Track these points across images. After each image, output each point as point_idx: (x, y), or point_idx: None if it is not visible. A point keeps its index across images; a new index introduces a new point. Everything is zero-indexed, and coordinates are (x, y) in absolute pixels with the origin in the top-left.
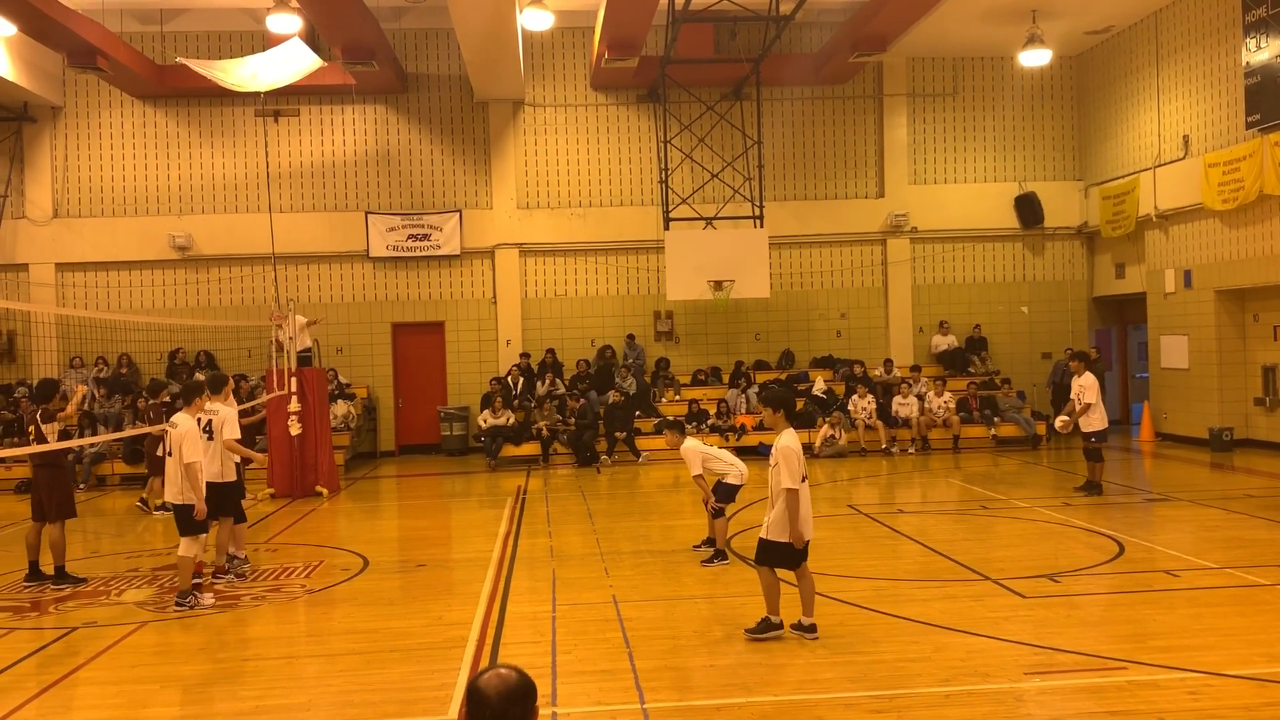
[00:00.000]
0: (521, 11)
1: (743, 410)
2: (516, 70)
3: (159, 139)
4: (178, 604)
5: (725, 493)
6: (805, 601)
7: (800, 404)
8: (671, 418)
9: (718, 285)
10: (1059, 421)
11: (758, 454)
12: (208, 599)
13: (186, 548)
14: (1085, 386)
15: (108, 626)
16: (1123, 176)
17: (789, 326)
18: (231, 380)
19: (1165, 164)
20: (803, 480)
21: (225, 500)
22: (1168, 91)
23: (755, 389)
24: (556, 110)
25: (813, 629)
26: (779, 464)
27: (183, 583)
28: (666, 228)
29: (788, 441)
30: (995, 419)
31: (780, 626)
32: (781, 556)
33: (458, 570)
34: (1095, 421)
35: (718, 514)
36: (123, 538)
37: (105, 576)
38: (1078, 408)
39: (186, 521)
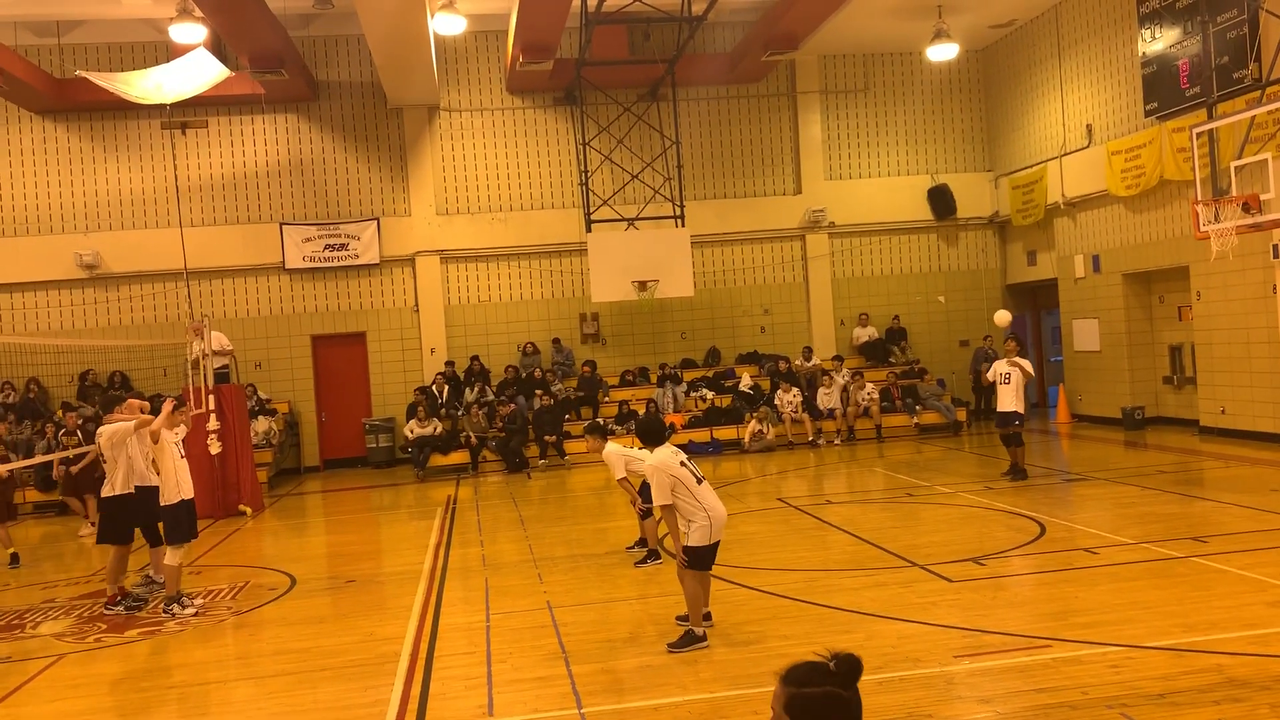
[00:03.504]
0: (433, 16)
1: (671, 410)
2: (430, 75)
3: (61, 155)
4: (165, 610)
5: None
6: (688, 607)
7: (728, 400)
8: (599, 421)
9: (642, 286)
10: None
11: (686, 452)
12: (190, 609)
13: (171, 556)
14: (1026, 363)
15: (23, 661)
16: (1031, 166)
17: (714, 324)
18: (132, 401)
19: (1070, 153)
20: (699, 482)
21: (124, 516)
22: (1070, 82)
23: (684, 387)
24: (473, 115)
25: (688, 635)
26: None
27: (170, 590)
28: (589, 230)
29: (652, 459)
30: (917, 407)
31: (704, 640)
32: (695, 559)
33: (389, 584)
34: (1019, 402)
35: (646, 515)
36: (37, 567)
37: (20, 609)
38: (1027, 373)
39: (172, 529)
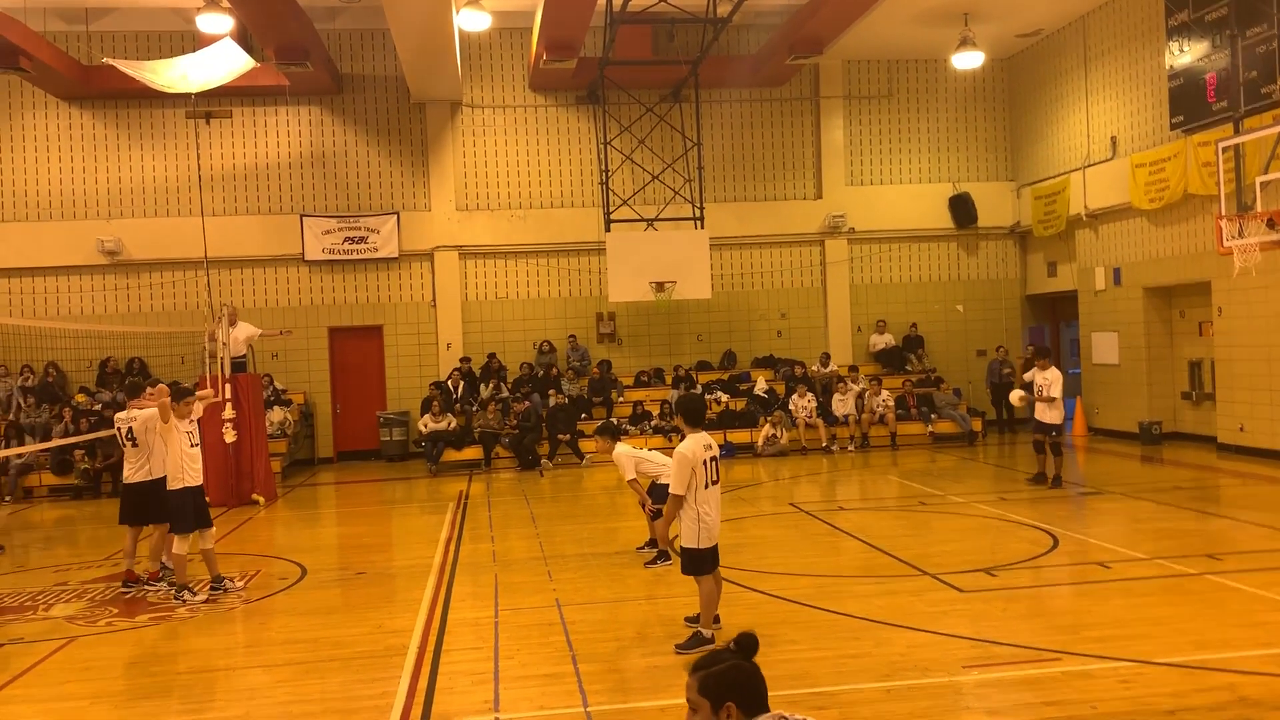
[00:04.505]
0: (458, 12)
1: None
2: (454, 71)
3: (86, 141)
4: (175, 596)
5: (661, 494)
6: (701, 607)
7: (743, 403)
8: (614, 421)
9: (659, 286)
10: (1016, 396)
11: None
12: (200, 596)
13: (179, 545)
14: (1052, 380)
15: (35, 642)
16: (1053, 177)
17: (730, 327)
18: (152, 389)
19: (1094, 164)
20: (708, 486)
21: (154, 502)
22: (1096, 93)
23: (699, 389)
24: (495, 111)
25: (700, 637)
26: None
27: (179, 577)
28: (608, 229)
29: (681, 447)
30: (932, 416)
31: (712, 641)
32: (689, 563)
33: (398, 578)
34: (1058, 415)
35: (656, 516)
36: (51, 551)
37: (33, 591)
38: (1044, 395)
39: (177, 516)
